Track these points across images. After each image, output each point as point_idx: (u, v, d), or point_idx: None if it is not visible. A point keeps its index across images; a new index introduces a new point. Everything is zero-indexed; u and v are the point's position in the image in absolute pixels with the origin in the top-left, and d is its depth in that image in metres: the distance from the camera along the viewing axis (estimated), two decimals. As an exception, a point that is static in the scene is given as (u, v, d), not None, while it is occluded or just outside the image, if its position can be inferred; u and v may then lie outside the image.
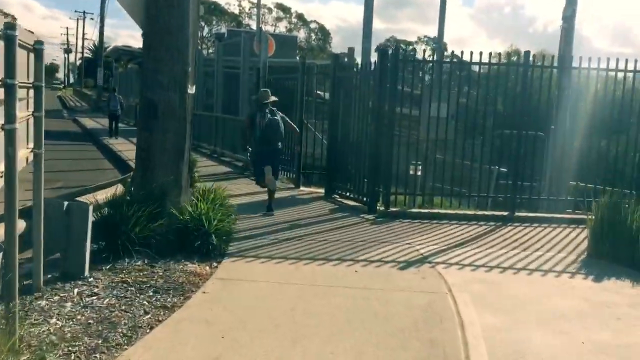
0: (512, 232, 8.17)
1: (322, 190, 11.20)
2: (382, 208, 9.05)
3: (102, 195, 6.39)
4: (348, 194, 10.23)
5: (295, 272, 5.66)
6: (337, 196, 10.58)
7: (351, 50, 11.02)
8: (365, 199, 9.56)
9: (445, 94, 9.40)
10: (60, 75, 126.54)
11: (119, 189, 6.72)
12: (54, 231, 4.80)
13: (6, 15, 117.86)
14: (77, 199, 5.91)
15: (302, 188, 11.95)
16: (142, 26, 5.79)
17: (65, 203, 4.90)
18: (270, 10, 79.63)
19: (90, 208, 4.94)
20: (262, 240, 7.02)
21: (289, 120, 9.24)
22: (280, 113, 8.96)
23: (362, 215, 8.95)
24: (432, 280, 5.56)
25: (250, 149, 9.11)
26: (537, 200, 9.48)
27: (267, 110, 8.77)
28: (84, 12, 69.18)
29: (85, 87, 72.41)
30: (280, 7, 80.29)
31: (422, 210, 9.03)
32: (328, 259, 6.22)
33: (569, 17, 17.54)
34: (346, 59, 11.54)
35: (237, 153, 16.08)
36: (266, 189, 9.09)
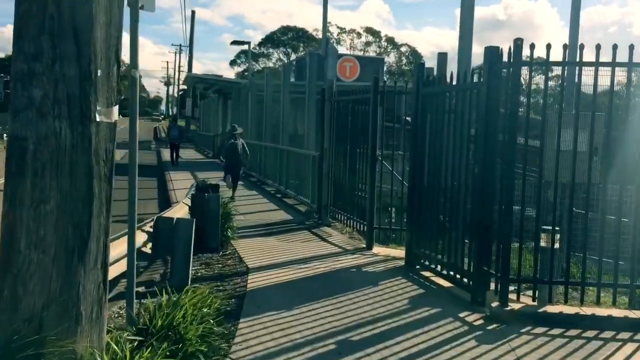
0: None
1: (402, 254, 7.82)
2: (496, 303, 5.50)
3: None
4: (439, 267, 6.78)
5: None
6: (423, 269, 7.15)
7: (443, 56, 7.72)
8: (467, 280, 6.07)
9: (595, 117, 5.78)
10: (163, 107, 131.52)
11: None
12: None
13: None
14: None
15: (375, 249, 8.60)
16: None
17: None
18: (359, 34, 77.19)
19: None
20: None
21: (245, 146, 13.78)
22: (242, 140, 13.76)
23: (462, 315, 5.46)
24: None
25: (223, 160, 14.86)
26: None
27: (234, 138, 13.39)
28: (180, 45, 70.02)
29: (181, 118, 73.54)
30: (369, 31, 77.53)
31: (566, 311, 5.37)
32: None
33: None
34: (435, 71, 8.18)
35: (300, 194, 13.03)
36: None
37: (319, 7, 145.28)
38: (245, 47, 40.86)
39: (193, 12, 53.59)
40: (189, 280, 5.93)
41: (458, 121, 6.52)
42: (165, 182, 18.67)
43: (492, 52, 5.88)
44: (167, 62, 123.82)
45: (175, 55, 77.86)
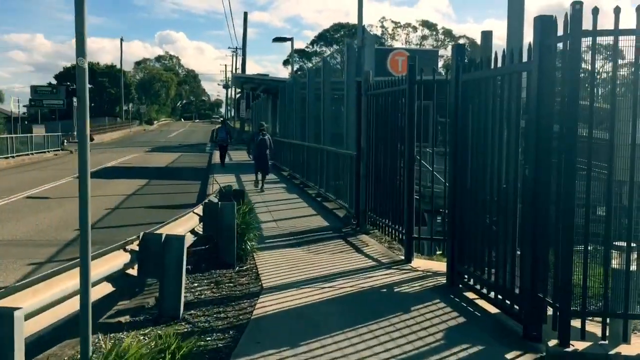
0: None
1: (445, 268, 6.68)
2: (554, 341, 4.31)
3: None
4: (485, 289, 5.62)
5: None
6: (467, 288, 6.01)
7: (487, 35, 6.50)
8: (518, 308, 4.90)
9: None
10: (223, 110, 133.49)
11: None
12: None
13: (171, 57, 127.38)
14: None
15: (415, 262, 7.51)
16: None
17: None
18: (415, 28, 75.03)
19: None
20: None
21: (270, 140, 16.31)
22: (268, 135, 16.36)
23: (510, 357, 4.32)
24: None
25: (252, 154, 16.41)
26: None
27: (261, 133, 16.07)
28: (235, 48, 70.17)
29: (239, 119, 74.00)
30: (425, 24, 75.24)
31: (650, 354, 4.13)
32: None
33: None
34: (479, 55, 6.97)
35: (340, 198, 12.01)
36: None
37: (374, 4, 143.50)
38: (298, 46, 40.15)
39: (245, 14, 53.48)
40: (181, 307, 5.06)
41: (505, 111, 5.35)
42: (207, 185, 18.16)
43: (544, 23, 4.69)
44: (225, 65, 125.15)
45: (232, 58, 78.09)
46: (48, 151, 37.49)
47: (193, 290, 6.10)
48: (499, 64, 5.54)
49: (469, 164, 6.13)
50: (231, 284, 6.44)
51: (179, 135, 67.70)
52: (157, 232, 5.34)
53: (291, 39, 25.54)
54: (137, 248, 4.98)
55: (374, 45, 11.21)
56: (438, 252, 8.72)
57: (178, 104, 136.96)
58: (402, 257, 7.75)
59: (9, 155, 30.54)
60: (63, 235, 10.18)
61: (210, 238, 7.23)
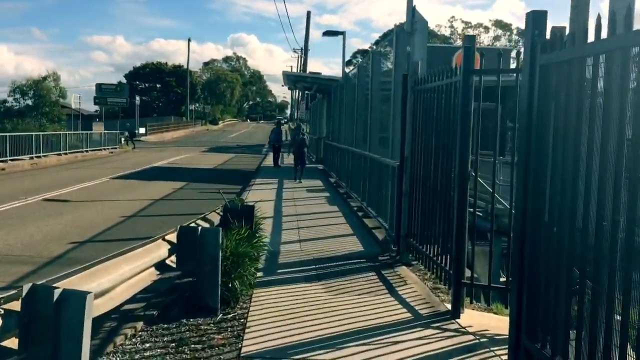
0: None
1: (506, 328, 4.58)
2: None
3: None
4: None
5: None
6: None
7: (581, 2, 4.37)
8: None
9: None
10: (288, 111, 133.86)
11: None
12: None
13: (238, 58, 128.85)
14: None
15: (465, 317, 5.48)
16: None
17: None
18: (487, 29, 71.05)
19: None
20: None
21: (307, 138, 21.16)
22: (305, 135, 21.59)
23: None
24: None
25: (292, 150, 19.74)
26: None
27: (300, 133, 20.46)
28: (300, 49, 68.79)
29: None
30: (498, 24, 71.10)
31: None
32: None
33: None
34: (566, 31, 4.84)
35: (380, 215, 10.00)
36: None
37: (446, 7, 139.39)
38: (364, 47, 37.96)
39: (308, 14, 52.15)
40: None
41: (611, 109, 3.27)
42: (244, 191, 16.52)
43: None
44: (291, 66, 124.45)
45: (298, 59, 76.94)
46: (104, 149, 37.39)
47: (139, 356, 4.33)
48: (602, 35, 3.45)
49: (548, 183, 4.05)
50: (199, 345, 4.62)
51: (240, 136, 67.22)
52: (69, 279, 3.60)
53: (343, 33, 23.47)
54: (18, 308, 3.25)
55: (427, 31, 9.16)
56: (497, 303, 6.59)
57: (245, 104, 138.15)
58: (449, 307, 5.71)
59: (62, 152, 30.29)
60: (51, 249, 8.73)
61: (186, 274, 5.47)
